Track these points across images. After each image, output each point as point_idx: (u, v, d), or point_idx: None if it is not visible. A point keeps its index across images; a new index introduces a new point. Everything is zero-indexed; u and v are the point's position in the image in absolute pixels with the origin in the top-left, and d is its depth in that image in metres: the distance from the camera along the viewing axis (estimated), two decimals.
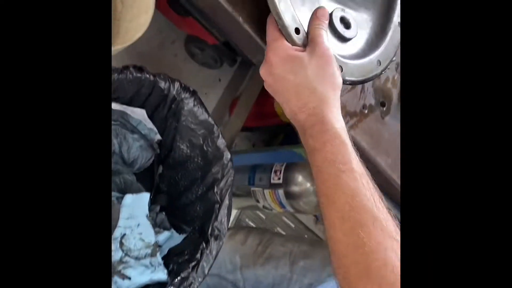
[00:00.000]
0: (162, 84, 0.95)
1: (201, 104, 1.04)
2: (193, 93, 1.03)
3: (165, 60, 1.62)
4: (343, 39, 0.86)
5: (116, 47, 0.96)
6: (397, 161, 1.14)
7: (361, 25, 0.91)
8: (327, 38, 0.72)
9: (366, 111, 1.06)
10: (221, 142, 1.05)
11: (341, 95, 0.98)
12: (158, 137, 1.05)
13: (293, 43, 0.72)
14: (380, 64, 0.86)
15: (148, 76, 0.92)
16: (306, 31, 0.75)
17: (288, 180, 1.28)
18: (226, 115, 1.54)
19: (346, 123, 0.97)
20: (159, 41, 1.53)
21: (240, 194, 1.52)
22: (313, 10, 0.80)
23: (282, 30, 0.70)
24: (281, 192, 1.28)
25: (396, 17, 0.92)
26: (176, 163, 1.08)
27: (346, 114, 1.02)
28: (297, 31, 0.72)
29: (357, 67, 0.82)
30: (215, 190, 1.03)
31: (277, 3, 0.68)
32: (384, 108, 1.11)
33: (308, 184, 1.34)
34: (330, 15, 0.86)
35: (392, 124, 1.12)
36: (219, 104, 1.49)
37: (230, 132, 1.54)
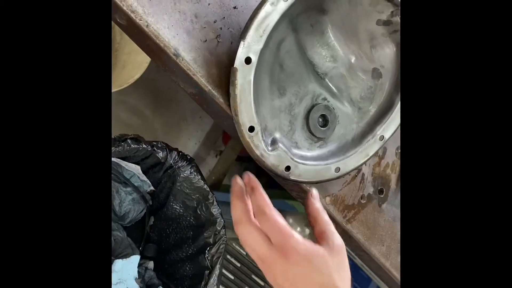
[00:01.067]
0: (160, 154, 1.06)
1: (198, 171, 1.14)
2: (190, 161, 1.12)
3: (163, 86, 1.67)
4: (312, 135, 0.89)
5: (113, 90, 1.00)
6: (391, 246, 1.11)
7: (342, 122, 0.93)
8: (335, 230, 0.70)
9: (364, 202, 1.05)
10: (215, 209, 1.13)
11: (340, 189, 1.02)
12: (151, 188, 1.13)
13: (244, 141, 0.77)
14: (338, 171, 0.87)
15: (145, 146, 1.04)
16: (265, 131, 0.81)
17: None
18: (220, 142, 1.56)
19: (344, 217, 1.00)
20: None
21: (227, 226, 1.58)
22: (294, 116, 0.86)
23: (236, 126, 0.76)
24: None
25: (380, 131, 0.90)
26: (168, 217, 1.16)
27: (344, 208, 1.02)
28: (251, 129, 0.77)
29: (308, 171, 0.83)
30: (206, 255, 1.10)
31: (238, 102, 0.73)
32: (382, 195, 1.09)
33: (298, 228, 1.36)
34: (314, 105, 0.91)
35: (389, 211, 1.10)
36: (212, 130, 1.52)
37: (225, 162, 1.59)
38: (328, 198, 0.97)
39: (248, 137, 0.76)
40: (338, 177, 0.88)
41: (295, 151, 0.86)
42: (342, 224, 1.00)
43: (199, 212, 1.14)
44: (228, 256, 2.40)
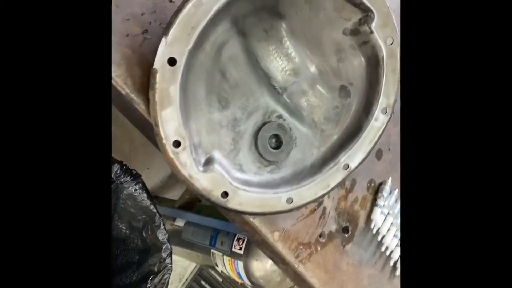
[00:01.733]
0: None
1: (143, 189, 1.01)
2: (135, 177, 1.00)
3: None
4: (261, 158, 0.76)
5: None
6: None
7: (300, 145, 0.80)
8: None
9: (323, 240, 0.90)
10: (161, 233, 1.02)
11: (293, 224, 0.88)
12: None
13: (167, 158, 0.64)
14: (291, 202, 0.73)
15: None
16: (198, 147, 0.68)
17: (250, 252, 1.20)
18: None
19: (296, 257, 0.86)
20: None
21: (199, 250, 1.45)
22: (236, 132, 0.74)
23: (157, 139, 0.63)
24: (240, 263, 1.20)
25: (344, 158, 0.75)
26: (115, 238, 1.06)
27: (298, 246, 0.86)
28: (176, 144, 0.64)
29: (252, 199, 0.69)
30: (148, 284, 1.00)
31: (158, 110, 0.61)
32: (347, 235, 0.94)
33: (270, 262, 1.21)
34: (266, 123, 0.78)
35: (354, 253, 0.94)
36: None
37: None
38: (276, 234, 0.82)
39: (171, 153, 0.63)
40: (290, 210, 0.74)
41: (238, 174, 0.72)
42: (293, 265, 0.85)
43: (144, 235, 1.03)
44: (203, 282, 2.26)
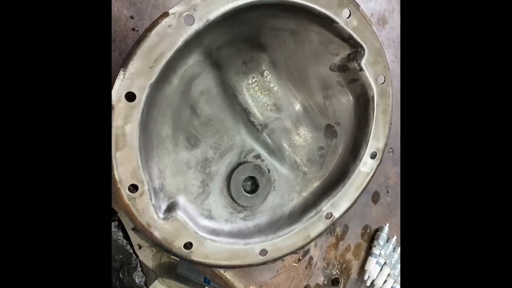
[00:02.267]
0: None
1: (120, 227, 0.95)
2: (111, 214, 0.95)
3: None
4: (234, 203, 0.69)
5: None
6: None
7: (279, 189, 0.72)
8: None
9: None
10: (138, 276, 0.95)
11: (273, 276, 0.79)
12: None
13: (122, 204, 0.57)
14: (265, 254, 0.65)
15: None
16: (160, 191, 0.61)
17: None
18: None
19: None
20: None
21: (194, 286, 1.36)
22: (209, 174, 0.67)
23: (112, 182, 0.57)
24: None
25: (328, 206, 0.67)
26: None
27: None
28: (133, 188, 0.57)
29: (220, 251, 0.61)
30: None
31: (113, 150, 0.54)
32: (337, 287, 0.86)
33: None
34: (241, 164, 0.70)
35: None
36: None
37: None
38: None
39: (127, 199, 0.56)
40: (264, 263, 0.66)
41: (205, 222, 0.65)
42: None
43: (121, 276, 0.97)
44: None
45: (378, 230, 0.92)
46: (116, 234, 0.95)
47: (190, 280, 1.46)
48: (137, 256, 0.96)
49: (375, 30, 0.64)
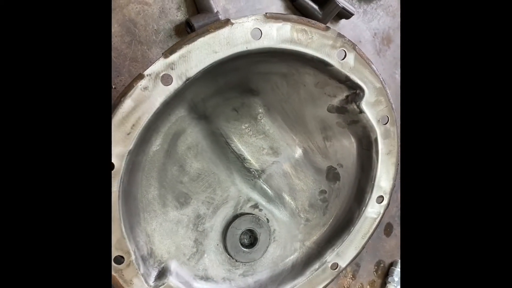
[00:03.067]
0: None
1: None
2: None
3: None
4: (231, 259, 0.64)
5: None
6: None
7: (280, 239, 0.67)
8: None
9: None
10: None
11: None
12: None
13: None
14: None
15: None
16: (149, 258, 0.58)
17: None
18: None
19: None
20: None
21: None
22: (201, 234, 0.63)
23: None
24: None
25: (332, 256, 0.63)
26: None
27: None
28: (119, 260, 0.54)
29: None
30: None
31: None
32: None
33: None
34: (237, 216, 0.66)
35: None
36: None
37: None
38: None
39: (114, 271, 0.53)
40: None
41: (201, 284, 0.61)
42: None
43: None
44: None
45: (392, 264, 0.87)
46: None
47: None
48: None
49: (375, 69, 0.58)
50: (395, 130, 0.62)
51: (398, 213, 0.88)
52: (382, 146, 0.62)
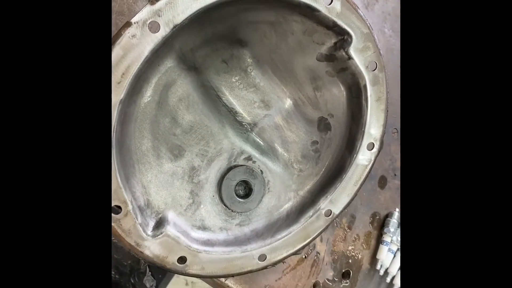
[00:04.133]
0: None
1: None
2: None
3: None
4: (227, 209, 0.66)
5: None
6: None
7: (274, 190, 0.69)
8: None
9: None
10: (148, 280, 0.96)
11: (278, 278, 0.76)
12: None
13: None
14: (264, 259, 0.62)
15: None
16: (147, 208, 0.59)
17: None
18: None
19: None
20: None
21: None
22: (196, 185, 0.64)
23: None
24: None
25: (326, 204, 0.64)
26: None
27: None
28: (117, 209, 0.55)
29: (216, 261, 0.59)
30: None
31: None
32: (348, 280, 0.83)
33: None
34: (232, 168, 0.67)
35: None
36: None
37: None
38: None
39: (112, 221, 0.54)
40: (265, 267, 0.64)
41: (198, 233, 0.62)
42: None
43: (132, 281, 0.97)
44: None
45: (387, 216, 0.89)
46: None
47: None
48: (145, 263, 0.95)
49: (362, 14, 0.59)
50: (383, 76, 0.63)
51: (393, 165, 0.89)
52: (371, 93, 0.62)
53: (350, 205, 0.85)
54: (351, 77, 0.63)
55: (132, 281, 0.95)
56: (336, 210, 0.66)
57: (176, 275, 2.14)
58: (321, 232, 0.66)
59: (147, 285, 0.91)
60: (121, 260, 0.91)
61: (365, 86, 0.62)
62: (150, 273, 0.91)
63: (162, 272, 1.88)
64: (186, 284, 2.21)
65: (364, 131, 0.64)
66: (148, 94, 0.56)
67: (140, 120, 0.57)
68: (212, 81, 0.63)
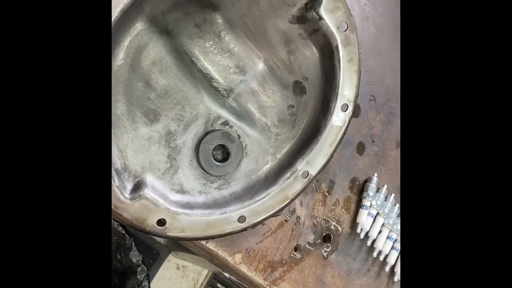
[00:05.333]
0: None
1: None
2: None
3: None
4: (205, 173, 0.67)
5: None
6: None
7: (252, 154, 0.70)
8: None
9: (299, 255, 0.81)
10: (134, 255, 0.96)
11: (259, 241, 0.78)
12: None
13: None
14: (243, 221, 0.63)
15: None
16: (124, 172, 0.60)
17: None
18: None
19: (265, 279, 0.75)
20: None
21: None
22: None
23: None
24: None
25: (303, 165, 0.65)
26: None
27: (267, 266, 0.76)
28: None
29: (195, 223, 0.60)
30: None
31: None
32: (329, 244, 0.85)
33: None
34: (209, 133, 0.68)
35: (340, 263, 0.84)
36: None
37: None
38: (238, 256, 0.73)
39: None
40: (245, 229, 0.65)
41: (177, 196, 0.63)
42: (264, 287, 0.76)
43: (119, 257, 0.98)
44: (219, 285, 2.20)
45: (366, 181, 0.90)
46: None
47: None
48: (131, 236, 0.96)
49: None
50: (355, 37, 0.64)
51: (370, 132, 0.91)
52: (343, 53, 0.63)
53: (329, 171, 0.87)
54: (323, 38, 0.63)
55: (119, 257, 0.96)
56: (313, 172, 0.67)
57: (166, 260, 2.15)
58: (299, 194, 0.67)
59: (133, 260, 0.92)
60: None
61: (337, 47, 0.63)
62: (135, 248, 0.92)
63: (150, 250, 1.87)
64: (177, 268, 2.23)
65: (337, 93, 0.65)
66: (120, 57, 0.56)
67: (114, 84, 0.57)
68: (185, 46, 0.63)
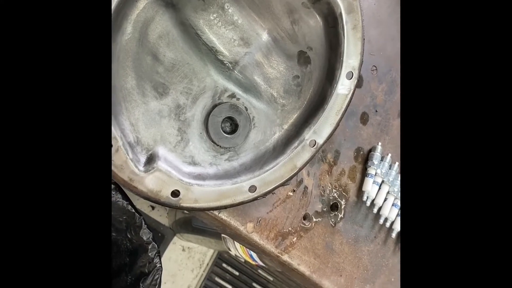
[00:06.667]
0: None
1: (117, 189, 0.96)
2: None
3: None
4: (215, 145, 0.68)
5: None
6: (353, 274, 0.88)
7: (259, 125, 0.71)
8: None
9: (308, 224, 0.83)
10: (145, 233, 0.98)
11: (269, 210, 0.79)
12: None
13: None
14: (254, 190, 0.65)
15: None
16: (137, 145, 0.61)
17: None
18: None
19: (277, 247, 0.78)
20: None
21: (211, 236, 1.42)
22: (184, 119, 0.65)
23: None
24: None
25: (310, 134, 0.66)
26: None
27: (277, 235, 0.78)
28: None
29: (208, 194, 0.62)
30: (141, 287, 0.98)
31: None
32: (336, 212, 0.87)
33: None
34: (216, 105, 0.69)
35: (347, 230, 0.87)
36: None
37: None
38: (250, 225, 0.75)
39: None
40: (255, 199, 0.67)
41: (189, 168, 0.65)
42: (275, 256, 0.78)
43: (129, 236, 1.00)
44: (224, 265, 2.24)
45: (371, 150, 0.92)
46: (115, 197, 0.96)
47: (206, 230, 1.51)
48: (140, 215, 0.97)
49: None
50: (357, 4, 0.64)
51: (373, 102, 0.92)
52: (347, 20, 0.64)
53: (334, 141, 0.89)
54: (327, 6, 0.64)
55: (129, 235, 0.98)
56: (320, 140, 0.68)
57: (172, 242, 2.16)
58: (307, 162, 0.69)
59: (144, 238, 0.94)
60: (116, 216, 0.93)
61: (340, 14, 0.63)
62: (146, 225, 0.94)
63: (155, 233, 1.89)
64: (183, 250, 2.25)
65: (342, 60, 0.66)
66: (128, 31, 0.57)
67: (122, 58, 0.57)
68: (190, 19, 0.64)
